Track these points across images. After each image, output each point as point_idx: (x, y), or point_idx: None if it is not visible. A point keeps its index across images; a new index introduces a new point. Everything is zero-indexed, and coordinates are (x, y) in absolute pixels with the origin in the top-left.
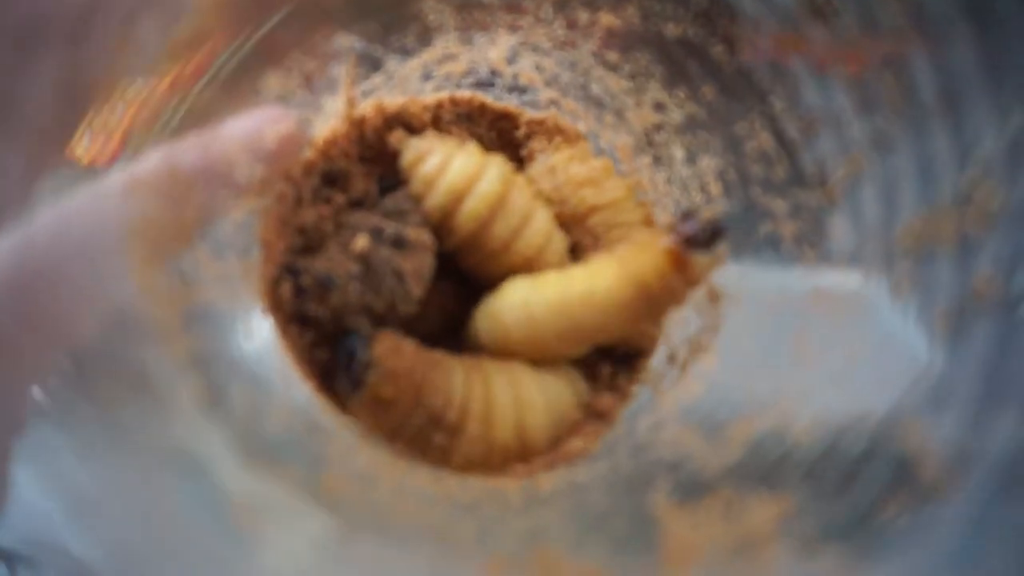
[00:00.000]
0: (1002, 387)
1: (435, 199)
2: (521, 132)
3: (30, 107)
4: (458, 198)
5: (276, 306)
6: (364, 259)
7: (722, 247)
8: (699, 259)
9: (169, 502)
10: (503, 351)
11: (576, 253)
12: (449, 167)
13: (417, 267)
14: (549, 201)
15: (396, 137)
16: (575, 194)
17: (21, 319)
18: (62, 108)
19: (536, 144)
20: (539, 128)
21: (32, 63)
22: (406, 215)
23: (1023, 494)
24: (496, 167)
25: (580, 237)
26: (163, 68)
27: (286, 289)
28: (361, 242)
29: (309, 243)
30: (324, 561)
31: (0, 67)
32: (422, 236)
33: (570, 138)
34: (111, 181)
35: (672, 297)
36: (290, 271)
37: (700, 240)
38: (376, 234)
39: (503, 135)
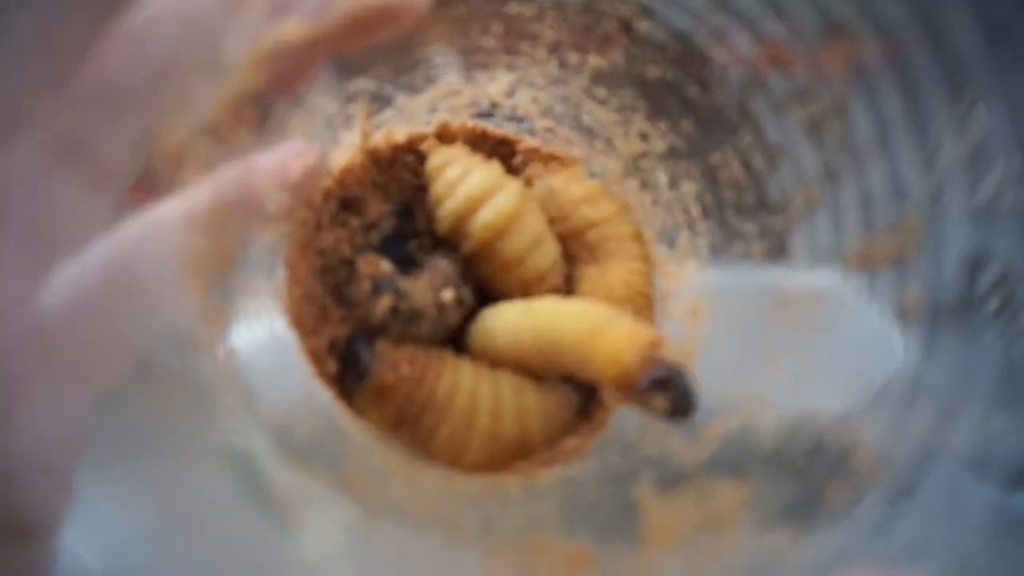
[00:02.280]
0: (969, 383)
1: (452, 203)
2: (519, 159)
3: (107, 158)
4: (474, 206)
5: (299, 322)
6: (440, 307)
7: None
8: (645, 399)
9: (225, 493)
10: (493, 363)
11: (572, 264)
12: (470, 175)
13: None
14: (552, 220)
15: (427, 143)
16: (576, 211)
17: (88, 335)
18: (132, 159)
19: (533, 170)
20: (535, 155)
21: (110, 120)
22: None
23: (989, 480)
24: (515, 185)
25: (577, 250)
26: (208, 120)
27: (381, 304)
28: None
29: (328, 263)
30: (351, 542)
31: (81, 122)
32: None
33: (564, 162)
34: (166, 213)
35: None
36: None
37: (658, 400)
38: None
39: (503, 161)
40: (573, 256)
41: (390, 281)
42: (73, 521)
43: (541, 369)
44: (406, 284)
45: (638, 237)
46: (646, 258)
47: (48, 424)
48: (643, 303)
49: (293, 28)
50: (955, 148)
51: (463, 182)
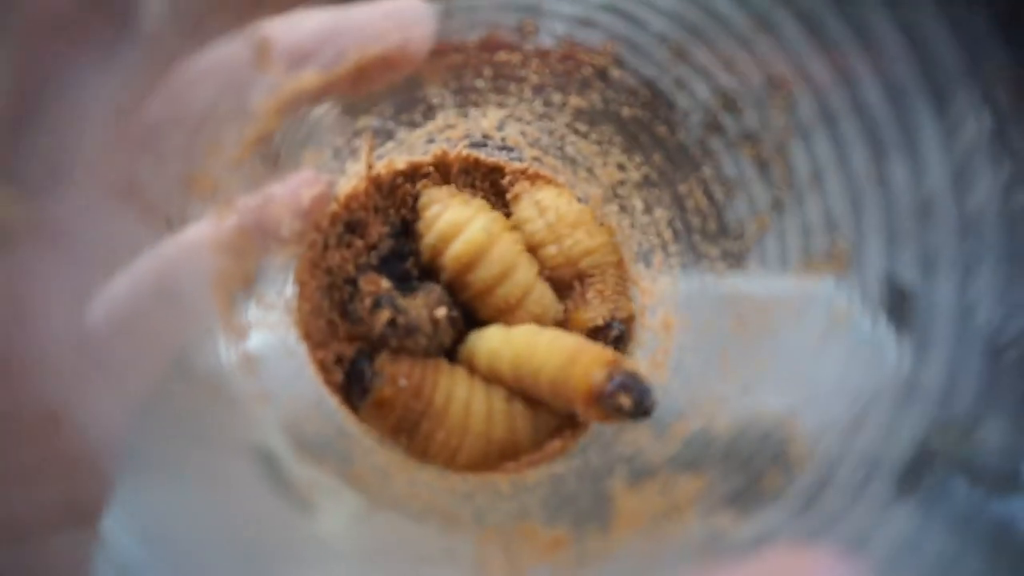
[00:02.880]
0: (959, 389)
1: (429, 238)
2: (507, 180)
3: (156, 195)
4: (446, 240)
5: (307, 334)
6: (435, 323)
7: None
8: (611, 403)
9: (251, 482)
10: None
11: (560, 290)
12: (443, 215)
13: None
14: (543, 242)
15: (422, 184)
16: (571, 235)
17: (130, 344)
18: (177, 194)
19: (520, 188)
20: (522, 175)
21: (159, 163)
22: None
23: (977, 484)
24: (484, 221)
25: (568, 276)
26: (235, 158)
27: (380, 318)
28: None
29: (334, 281)
30: (360, 527)
31: (136, 165)
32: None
33: (550, 182)
34: (198, 238)
35: (575, 408)
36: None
37: (622, 399)
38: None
39: (494, 185)
40: (565, 282)
41: (389, 298)
42: (117, 507)
43: (520, 392)
44: (404, 301)
45: (620, 266)
46: (626, 285)
47: (95, 423)
48: (623, 302)
49: (309, 78)
50: (874, 192)
51: (438, 220)
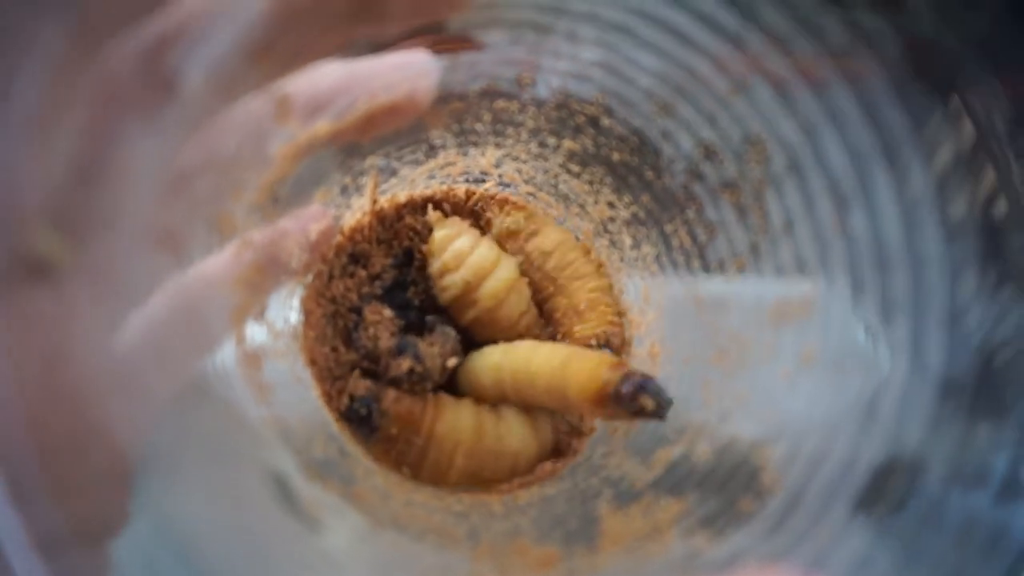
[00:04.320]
0: (951, 395)
1: (462, 274)
2: (475, 203)
3: (187, 237)
4: (481, 277)
5: (312, 361)
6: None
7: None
8: (630, 405)
9: (264, 499)
10: (477, 398)
11: (541, 301)
12: (477, 250)
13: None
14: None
15: (433, 215)
16: (545, 263)
17: (152, 369)
18: (206, 235)
19: (491, 214)
20: (491, 201)
21: (190, 208)
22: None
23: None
24: (511, 260)
25: (546, 286)
26: (254, 201)
27: (402, 366)
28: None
29: (339, 310)
30: (363, 544)
31: (169, 211)
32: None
33: (518, 207)
34: (216, 271)
35: (583, 411)
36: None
37: (633, 401)
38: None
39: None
40: (546, 294)
41: (414, 348)
42: (134, 523)
43: (521, 403)
44: (424, 348)
45: (599, 271)
46: (602, 274)
47: (115, 443)
48: (608, 311)
49: (323, 127)
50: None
51: (472, 254)
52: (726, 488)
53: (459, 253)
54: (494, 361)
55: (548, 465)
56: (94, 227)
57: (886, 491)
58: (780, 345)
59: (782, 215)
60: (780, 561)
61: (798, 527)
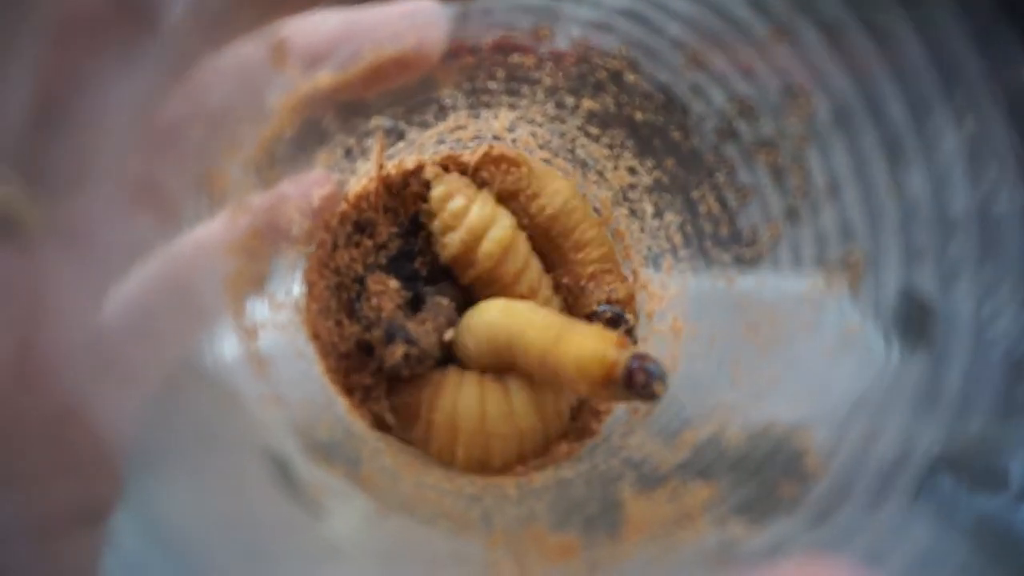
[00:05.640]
0: (977, 400)
1: (459, 234)
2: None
3: (173, 197)
4: (477, 237)
5: (316, 335)
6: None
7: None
8: (633, 384)
9: (263, 484)
10: (468, 363)
11: (546, 267)
12: (472, 208)
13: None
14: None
15: (430, 171)
16: (550, 230)
17: (141, 344)
18: (195, 195)
19: (486, 173)
20: (487, 159)
21: (176, 164)
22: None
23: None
24: (507, 217)
25: (550, 253)
26: (250, 158)
27: (395, 354)
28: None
29: (343, 280)
30: (370, 529)
31: (153, 167)
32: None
33: (516, 163)
34: (210, 238)
35: (577, 390)
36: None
37: (636, 384)
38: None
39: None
40: (541, 252)
41: (402, 331)
42: (127, 507)
43: (515, 367)
44: (413, 327)
45: (586, 202)
46: (601, 226)
47: (108, 421)
48: (610, 263)
49: (324, 78)
50: (892, 203)
51: (467, 214)
52: (762, 473)
53: (456, 212)
54: (490, 318)
55: (564, 446)
56: (63, 180)
57: (950, 479)
58: (820, 318)
59: (826, 175)
60: (830, 554)
61: (850, 518)
